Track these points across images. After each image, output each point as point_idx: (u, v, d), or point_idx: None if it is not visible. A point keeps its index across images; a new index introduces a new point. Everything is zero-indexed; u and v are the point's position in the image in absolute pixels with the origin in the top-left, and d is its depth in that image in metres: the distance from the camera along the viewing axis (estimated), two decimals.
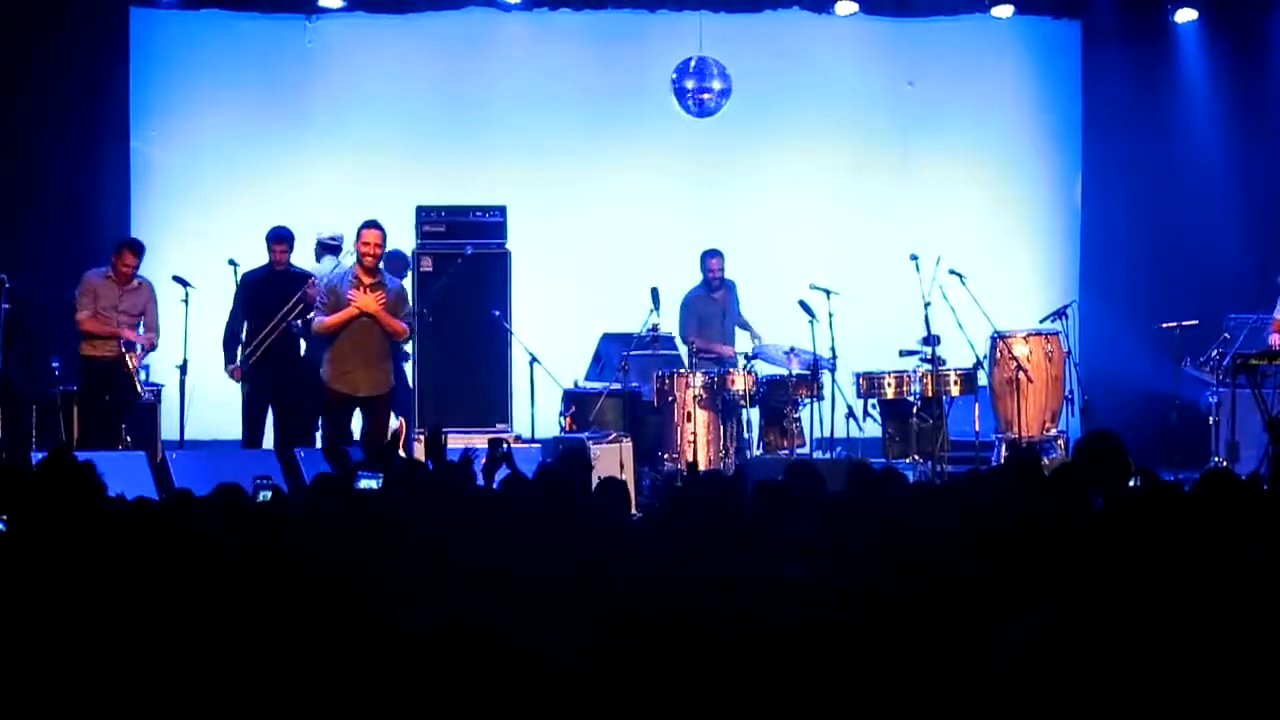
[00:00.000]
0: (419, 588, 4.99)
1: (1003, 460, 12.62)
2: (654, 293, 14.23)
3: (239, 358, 13.66)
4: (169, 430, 13.91)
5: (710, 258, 14.82)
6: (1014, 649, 3.56)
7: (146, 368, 13.75)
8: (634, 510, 10.28)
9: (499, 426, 14.02)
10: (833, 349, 14.16)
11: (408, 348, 13.97)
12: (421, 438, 13.71)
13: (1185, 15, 16.28)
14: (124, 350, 13.16)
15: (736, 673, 3.49)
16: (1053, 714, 3.43)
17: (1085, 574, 4.88)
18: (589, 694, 3.53)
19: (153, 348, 13.46)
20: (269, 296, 13.60)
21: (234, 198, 15.63)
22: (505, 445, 9.37)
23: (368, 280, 12.76)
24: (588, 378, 14.90)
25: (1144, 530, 5.29)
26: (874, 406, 14.40)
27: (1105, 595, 4.20)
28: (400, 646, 3.45)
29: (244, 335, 13.68)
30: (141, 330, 13.32)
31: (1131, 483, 7.39)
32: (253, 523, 6.45)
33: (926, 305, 14.06)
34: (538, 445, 13.35)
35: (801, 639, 3.53)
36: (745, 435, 14.32)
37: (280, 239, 13.81)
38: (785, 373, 14.25)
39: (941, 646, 3.92)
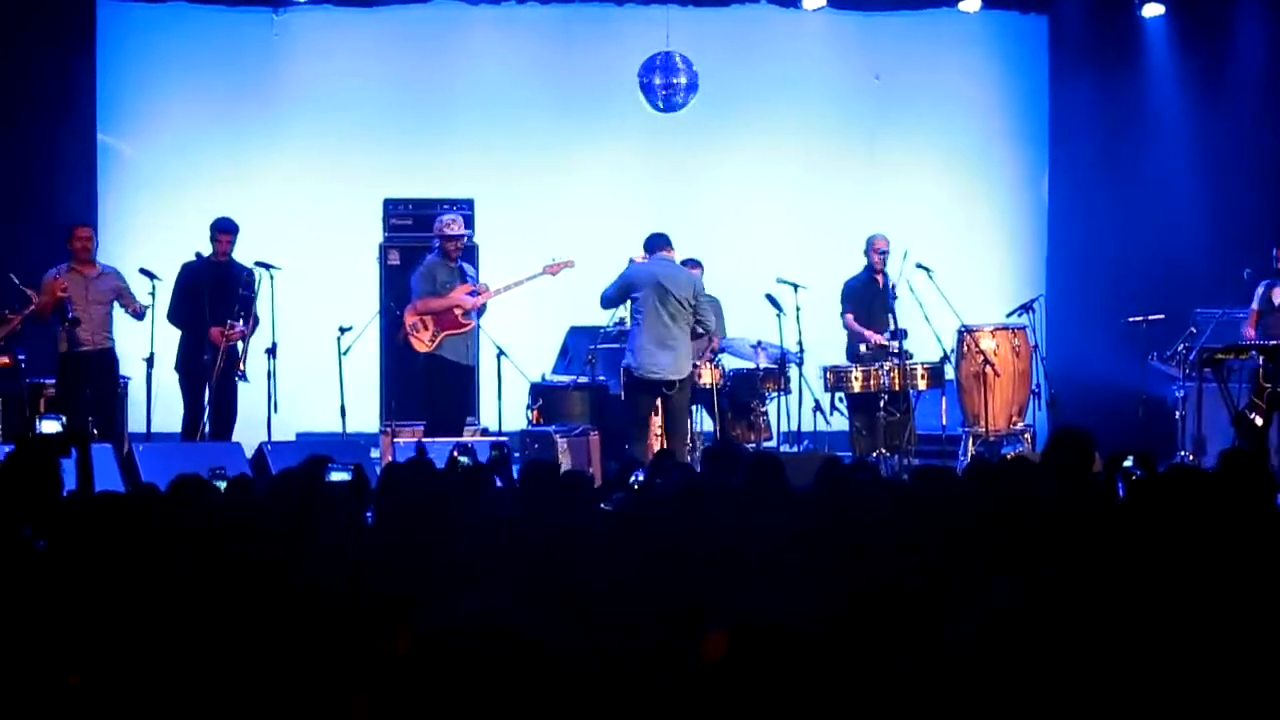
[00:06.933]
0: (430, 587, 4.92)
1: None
2: None
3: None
4: (135, 423, 13.85)
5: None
6: (979, 618, 3.56)
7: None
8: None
9: (467, 420, 14.00)
10: (800, 343, 14.15)
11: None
12: (388, 433, 13.69)
13: (1153, 10, 16.30)
14: (68, 314, 12.97)
15: (738, 671, 3.48)
16: (1014, 685, 3.44)
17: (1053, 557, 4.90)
18: (606, 690, 3.50)
19: (139, 316, 13.32)
20: (208, 288, 13.35)
21: (200, 190, 15.55)
22: (505, 448, 9.39)
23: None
24: (555, 371, 14.87)
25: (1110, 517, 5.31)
26: (841, 400, 14.42)
27: (1072, 573, 4.21)
28: (425, 646, 3.37)
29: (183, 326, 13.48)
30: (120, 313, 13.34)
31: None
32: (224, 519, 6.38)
33: (894, 299, 14.09)
34: (505, 439, 13.32)
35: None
36: (712, 429, 14.30)
37: (225, 229, 13.55)
38: (752, 366, 14.25)
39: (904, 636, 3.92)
